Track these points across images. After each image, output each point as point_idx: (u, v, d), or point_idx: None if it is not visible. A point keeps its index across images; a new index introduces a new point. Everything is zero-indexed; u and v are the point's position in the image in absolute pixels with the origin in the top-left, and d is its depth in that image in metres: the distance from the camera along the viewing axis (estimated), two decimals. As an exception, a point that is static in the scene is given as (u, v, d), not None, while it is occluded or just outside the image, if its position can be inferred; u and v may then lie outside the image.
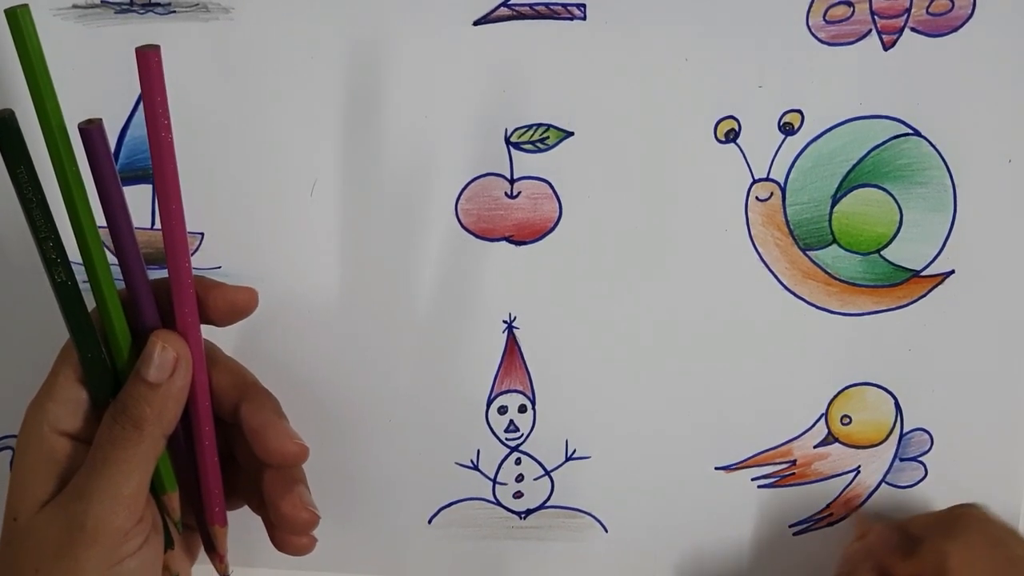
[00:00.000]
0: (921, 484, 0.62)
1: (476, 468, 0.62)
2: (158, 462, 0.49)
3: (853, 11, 0.57)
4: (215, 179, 0.58)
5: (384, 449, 0.62)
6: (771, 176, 0.59)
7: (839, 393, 0.61)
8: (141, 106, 0.56)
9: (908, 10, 0.57)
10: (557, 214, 0.59)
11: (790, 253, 0.59)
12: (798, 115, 0.58)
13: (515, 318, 0.60)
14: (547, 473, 0.62)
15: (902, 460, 0.62)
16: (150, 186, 0.57)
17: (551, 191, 0.59)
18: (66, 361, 0.49)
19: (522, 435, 0.62)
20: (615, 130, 0.58)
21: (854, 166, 0.59)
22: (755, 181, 0.59)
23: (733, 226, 0.59)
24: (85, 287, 0.47)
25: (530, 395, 0.61)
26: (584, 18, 0.57)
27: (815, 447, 0.62)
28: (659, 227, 0.59)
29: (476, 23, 0.57)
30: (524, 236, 0.59)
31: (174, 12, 0.56)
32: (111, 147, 0.55)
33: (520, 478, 0.62)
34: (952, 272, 0.59)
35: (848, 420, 0.61)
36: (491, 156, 0.58)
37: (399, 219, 0.59)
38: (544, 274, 0.59)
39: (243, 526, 0.55)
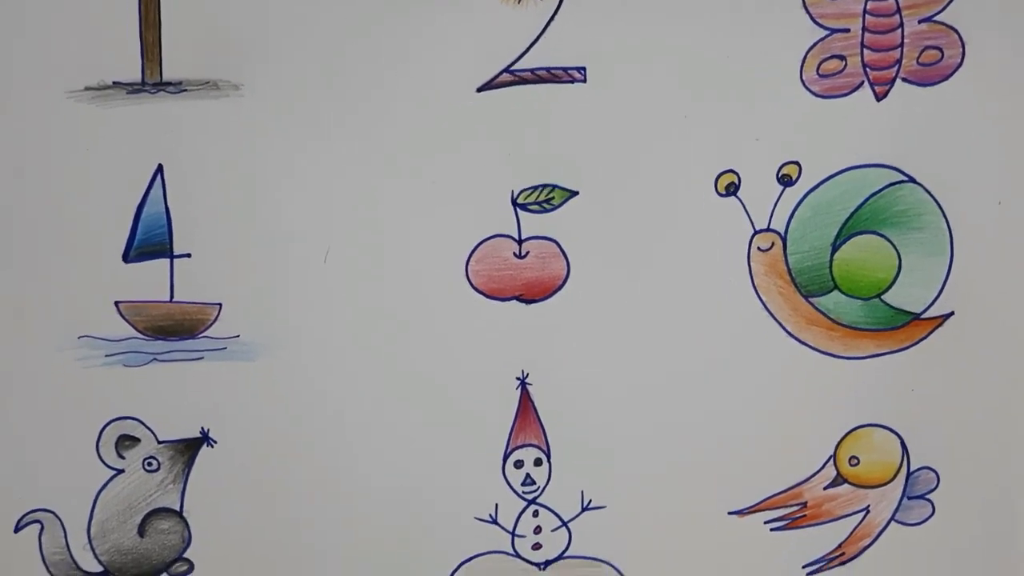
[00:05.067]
0: (929, 521, 0.63)
1: (495, 522, 0.63)
2: None
3: (845, 64, 0.58)
4: (232, 250, 0.59)
5: (403, 506, 0.62)
6: (772, 227, 0.60)
7: (846, 435, 0.62)
8: (157, 182, 0.58)
9: (899, 61, 0.59)
10: (565, 272, 0.60)
11: (793, 300, 0.61)
12: (796, 166, 0.60)
13: (528, 375, 0.61)
14: (564, 524, 0.63)
15: (910, 498, 0.63)
16: (168, 260, 0.59)
17: (559, 250, 0.60)
18: None
19: (538, 488, 0.63)
20: (618, 188, 0.59)
21: (852, 214, 0.60)
22: (756, 232, 0.60)
23: (737, 276, 0.60)
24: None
25: (545, 449, 0.62)
26: (584, 81, 0.58)
27: (825, 488, 0.63)
28: (665, 280, 0.60)
29: (479, 89, 0.58)
30: (534, 294, 0.60)
31: (185, 91, 0.57)
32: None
33: (538, 530, 0.63)
34: (952, 314, 0.61)
35: (856, 461, 0.62)
36: (499, 218, 0.59)
37: (411, 283, 0.60)
38: (555, 331, 0.61)
39: None
